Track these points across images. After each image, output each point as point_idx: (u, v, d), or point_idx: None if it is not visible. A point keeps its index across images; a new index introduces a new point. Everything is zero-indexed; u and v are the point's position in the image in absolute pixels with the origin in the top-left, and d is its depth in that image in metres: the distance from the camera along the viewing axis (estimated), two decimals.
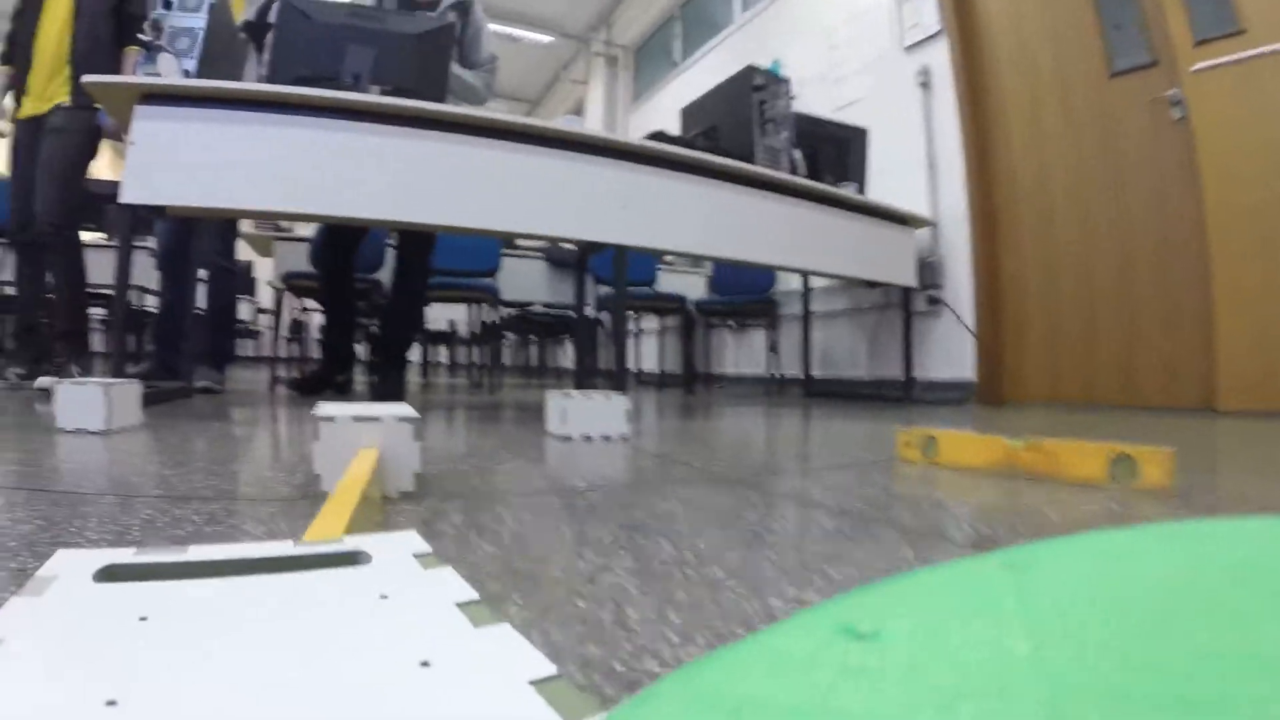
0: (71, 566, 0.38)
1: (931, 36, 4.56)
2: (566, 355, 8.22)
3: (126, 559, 0.39)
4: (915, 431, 1.63)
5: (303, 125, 2.51)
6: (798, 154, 3.77)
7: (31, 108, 3.19)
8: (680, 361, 5.91)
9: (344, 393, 3.55)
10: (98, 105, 2.93)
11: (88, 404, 1.69)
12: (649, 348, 7.15)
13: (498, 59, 3.44)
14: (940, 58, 4.51)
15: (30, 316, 3.30)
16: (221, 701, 0.25)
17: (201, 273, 3.55)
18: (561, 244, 5.21)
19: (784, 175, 3.44)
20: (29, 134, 3.18)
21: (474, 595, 0.34)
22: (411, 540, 0.42)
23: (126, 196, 2.40)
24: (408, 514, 0.96)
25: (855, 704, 0.18)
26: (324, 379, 3.54)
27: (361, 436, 1.06)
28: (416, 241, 3.45)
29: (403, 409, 1.15)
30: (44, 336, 3.30)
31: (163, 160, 2.42)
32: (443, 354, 7.93)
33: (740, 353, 6.40)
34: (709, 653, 0.25)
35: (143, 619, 0.32)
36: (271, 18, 2.70)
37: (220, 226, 3.53)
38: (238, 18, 3.15)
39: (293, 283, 4.01)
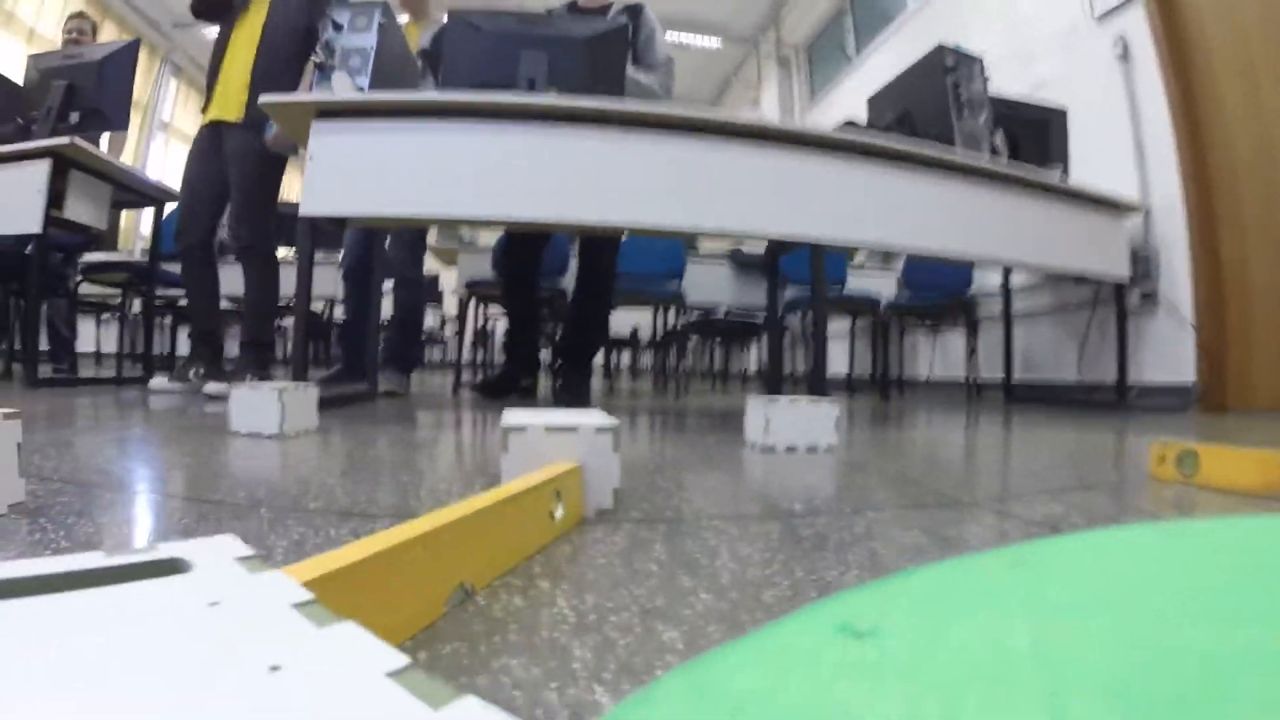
0: None
1: (1125, 2, 4.11)
2: (750, 359, 8.01)
3: None
4: (1172, 445, 1.33)
5: (478, 131, 2.46)
6: (999, 137, 3.45)
7: (213, 114, 3.22)
8: (870, 366, 5.58)
9: (528, 397, 3.48)
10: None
11: (261, 408, 1.63)
12: (836, 351, 6.83)
13: (673, 60, 3.31)
14: (1138, 25, 4.05)
15: (204, 321, 3.39)
16: None
17: (386, 283, 3.59)
18: (748, 242, 5.05)
19: (992, 164, 3.12)
20: (206, 140, 3.23)
21: (308, 596, 0.30)
22: (231, 544, 0.37)
23: (306, 209, 2.41)
24: (603, 542, 0.79)
25: (855, 700, 0.18)
26: (508, 383, 3.49)
27: (555, 448, 0.90)
28: (600, 246, 3.35)
29: (600, 416, 0.99)
30: (218, 342, 3.40)
31: (340, 173, 2.43)
32: (624, 358, 7.90)
33: (934, 356, 6.00)
34: (709, 651, 0.23)
35: None
36: None
37: (410, 239, 3.57)
38: (413, 47, 3.20)
39: (475, 290, 4.01)
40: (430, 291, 8.91)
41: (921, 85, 3.41)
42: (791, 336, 6.86)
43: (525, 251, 3.45)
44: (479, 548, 0.61)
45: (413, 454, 1.45)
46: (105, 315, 5.85)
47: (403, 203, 2.42)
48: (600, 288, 3.42)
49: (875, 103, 3.73)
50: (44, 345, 4.84)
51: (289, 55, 3.18)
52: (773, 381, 3.22)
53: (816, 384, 2.73)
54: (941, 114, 3.26)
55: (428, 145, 2.45)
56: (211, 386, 2.98)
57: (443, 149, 2.44)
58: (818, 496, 1.12)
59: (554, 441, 0.90)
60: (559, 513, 0.80)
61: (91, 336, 5.51)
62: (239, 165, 3.13)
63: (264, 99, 2.51)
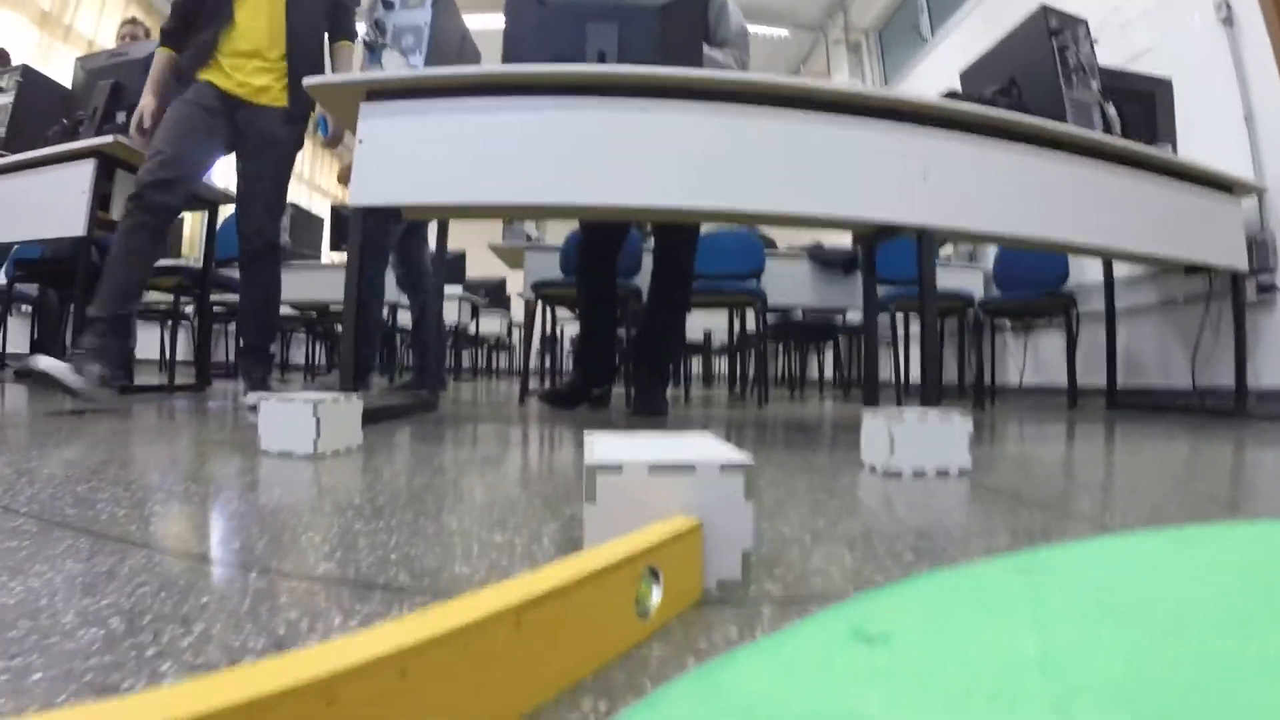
0: None
1: None
2: (825, 364, 7.62)
3: None
4: None
5: (547, 109, 2.20)
6: (1111, 109, 3.09)
7: (227, 85, 2.76)
8: (956, 371, 5.20)
9: (600, 407, 3.22)
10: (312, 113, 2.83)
11: (294, 425, 1.38)
12: (917, 355, 6.43)
13: (748, 33, 3.02)
14: None
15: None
16: None
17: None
18: (829, 236, 4.72)
19: (1110, 140, 2.77)
20: (213, 103, 2.73)
21: None
22: None
23: (356, 199, 2.18)
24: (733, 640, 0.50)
25: (866, 704, 0.18)
26: (579, 391, 3.23)
27: (663, 494, 0.61)
28: (677, 240, 3.07)
29: (722, 449, 0.70)
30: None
31: (393, 159, 2.21)
32: (693, 365, 7.60)
33: (1025, 359, 5.56)
34: (721, 655, 0.23)
35: None
36: None
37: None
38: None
39: (544, 291, 3.75)
40: (497, 296, 8.75)
41: (1023, 53, 3.09)
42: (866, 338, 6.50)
43: (602, 246, 3.19)
44: (532, 657, 0.40)
45: (468, 486, 1.17)
46: (171, 322, 5.76)
47: (464, 189, 2.16)
48: (678, 286, 3.13)
49: (970, 76, 3.40)
50: None
51: (318, 28, 2.92)
52: (870, 391, 2.90)
53: (930, 393, 2.40)
54: (1048, 83, 2.93)
55: (491, 126, 2.19)
56: (252, 397, 2.75)
57: (508, 129, 2.19)
58: (996, 543, 0.82)
59: (661, 485, 0.61)
60: (654, 599, 0.52)
61: (157, 343, 5.39)
62: (276, 156, 2.84)
63: (309, 82, 2.28)
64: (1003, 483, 1.34)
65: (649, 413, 2.90)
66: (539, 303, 3.84)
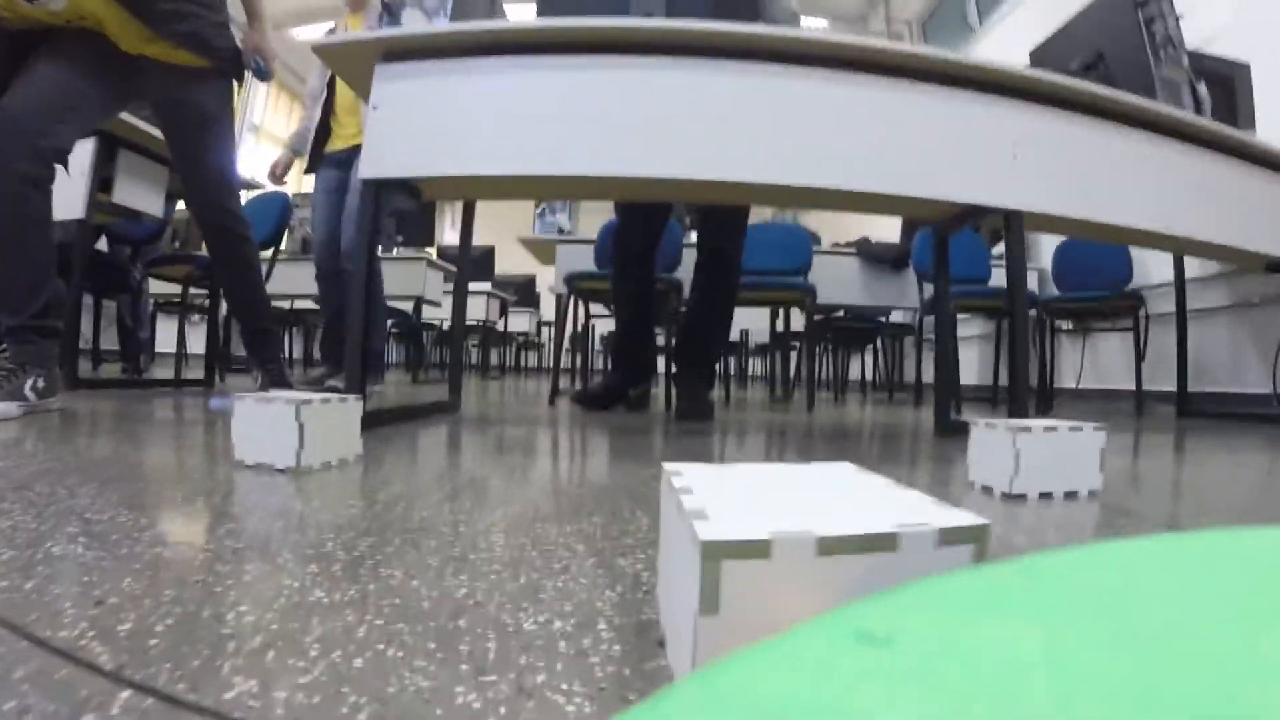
0: None
1: None
2: (865, 366, 7.27)
3: None
4: None
5: (584, 68, 1.93)
6: (1202, 88, 2.81)
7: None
8: (994, 372, 4.88)
9: (638, 409, 2.93)
10: None
11: (273, 430, 1.11)
12: (965, 357, 6.08)
13: (799, 19, 2.75)
14: None
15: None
16: None
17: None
18: (877, 229, 4.42)
19: (1205, 122, 2.46)
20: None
21: None
22: None
23: (367, 171, 1.92)
24: None
25: (870, 706, 0.18)
26: (615, 392, 2.94)
27: (835, 587, 0.33)
28: (723, 229, 2.78)
29: (916, 501, 0.41)
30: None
31: (409, 127, 1.94)
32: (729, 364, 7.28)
33: (1083, 361, 5.20)
34: (726, 656, 0.22)
35: None
36: None
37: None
38: None
39: (577, 284, 3.46)
40: (526, 293, 8.51)
41: (1105, 26, 2.82)
42: (915, 340, 6.19)
43: (641, 235, 2.91)
44: None
45: (485, 523, 0.87)
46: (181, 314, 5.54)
47: (491, 160, 1.89)
48: (725, 278, 2.84)
49: (1042, 54, 3.12)
50: (115, 344, 4.58)
51: None
52: (942, 396, 2.59)
53: (1018, 402, 2.08)
54: (1135, 59, 2.65)
55: (522, 89, 1.91)
56: (216, 402, 2.57)
57: (542, 93, 1.91)
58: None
59: (835, 573, 0.33)
60: None
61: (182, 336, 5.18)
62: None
63: (318, 45, 2.02)
64: (1145, 508, 1.09)
65: (694, 417, 2.62)
66: (571, 297, 3.55)
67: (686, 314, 2.93)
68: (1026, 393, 2.18)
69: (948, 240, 2.63)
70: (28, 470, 1.08)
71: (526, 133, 1.89)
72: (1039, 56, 3.14)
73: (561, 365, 3.96)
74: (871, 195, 2.00)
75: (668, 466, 0.55)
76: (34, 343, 1.97)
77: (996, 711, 0.17)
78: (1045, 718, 0.16)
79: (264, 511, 0.86)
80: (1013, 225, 2.10)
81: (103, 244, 4.26)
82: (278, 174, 3.73)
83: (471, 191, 2.42)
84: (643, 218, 2.87)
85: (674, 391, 2.96)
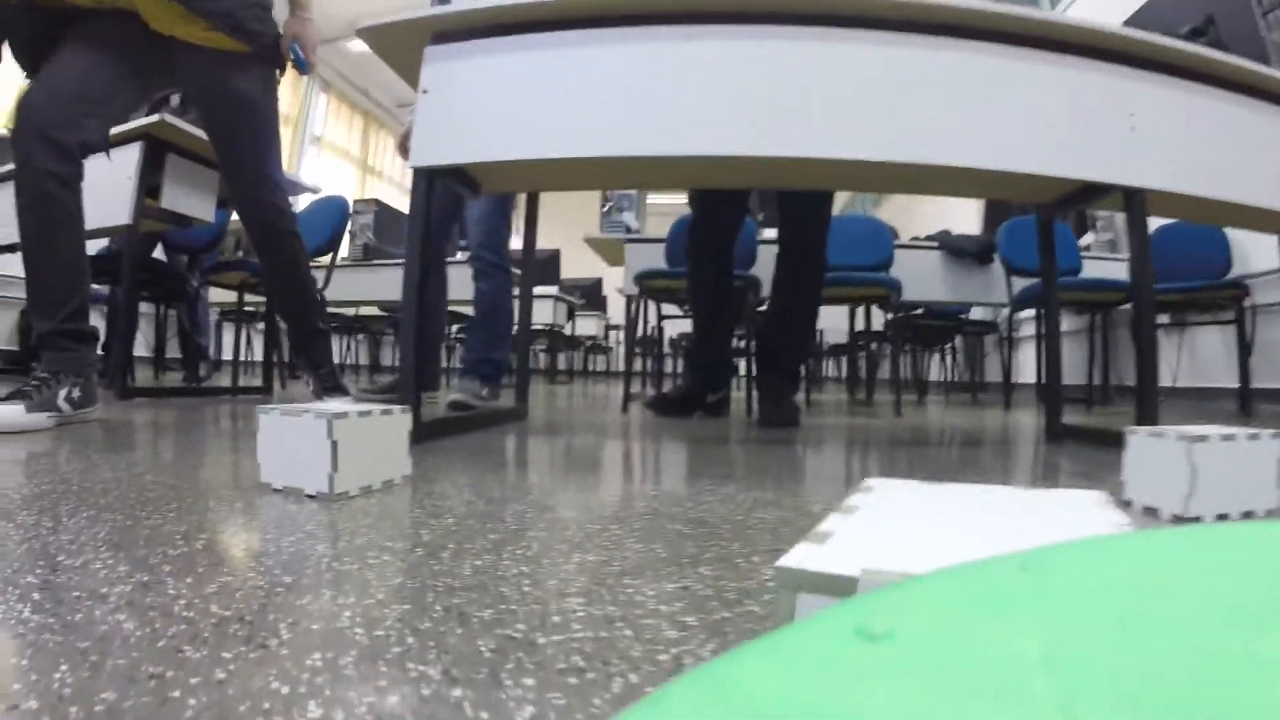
0: None
1: None
2: (945, 364, 6.93)
3: None
4: None
5: (658, 39, 1.71)
6: None
7: None
8: (1103, 372, 4.55)
9: (717, 415, 2.72)
10: None
11: (303, 449, 0.92)
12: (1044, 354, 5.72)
13: None
14: None
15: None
16: None
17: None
18: (959, 222, 4.13)
19: None
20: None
21: None
22: None
23: (418, 159, 1.74)
24: None
25: (869, 703, 0.17)
26: (691, 398, 2.73)
27: None
28: (809, 219, 2.55)
29: None
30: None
31: (462, 110, 1.77)
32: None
33: (1179, 358, 4.82)
34: (721, 654, 0.21)
35: None
36: None
37: (490, 214, 2.82)
38: None
39: (648, 283, 3.25)
40: (592, 297, 8.36)
41: None
42: (996, 338, 5.86)
43: (717, 228, 2.70)
44: None
45: (555, 584, 0.66)
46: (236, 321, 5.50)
47: (550, 142, 1.69)
48: (810, 274, 2.61)
49: (1144, 17, 2.86)
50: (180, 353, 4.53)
51: None
52: (1052, 399, 2.33)
53: (1147, 407, 1.82)
54: (1244, 22, 2.40)
55: (582, 64, 1.72)
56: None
57: (603, 68, 1.71)
58: None
59: None
60: None
61: (255, 345, 5.11)
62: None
63: (362, 29, 1.85)
64: None
65: (779, 424, 2.39)
66: (642, 297, 3.34)
67: (768, 312, 2.70)
68: (1155, 396, 1.92)
69: (1052, 226, 2.36)
70: (21, 494, 0.91)
71: (591, 112, 1.69)
72: (1139, 21, 2.88)
73: (632, 369, 3.77)
74: (976, 174, 1.76)
75: (860, 492, 0.40)
76: (69, 349, 1.83)
77: (997, 709, 0.16)
78: (1047, 715, 0.16)
79: (274, 561, 0.67)
80: (1134, 205, 1.84)
81: (160, 253, 4.22)
82: (406, 145, 3.55)
83: (532, 181, 2.22)
84: (718, 211, 2.65)
85: (755, 396, 2.75)
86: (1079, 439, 2.15)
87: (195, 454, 1.35)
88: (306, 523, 0.81)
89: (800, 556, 0.39)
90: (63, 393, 1.77)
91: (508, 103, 1.73)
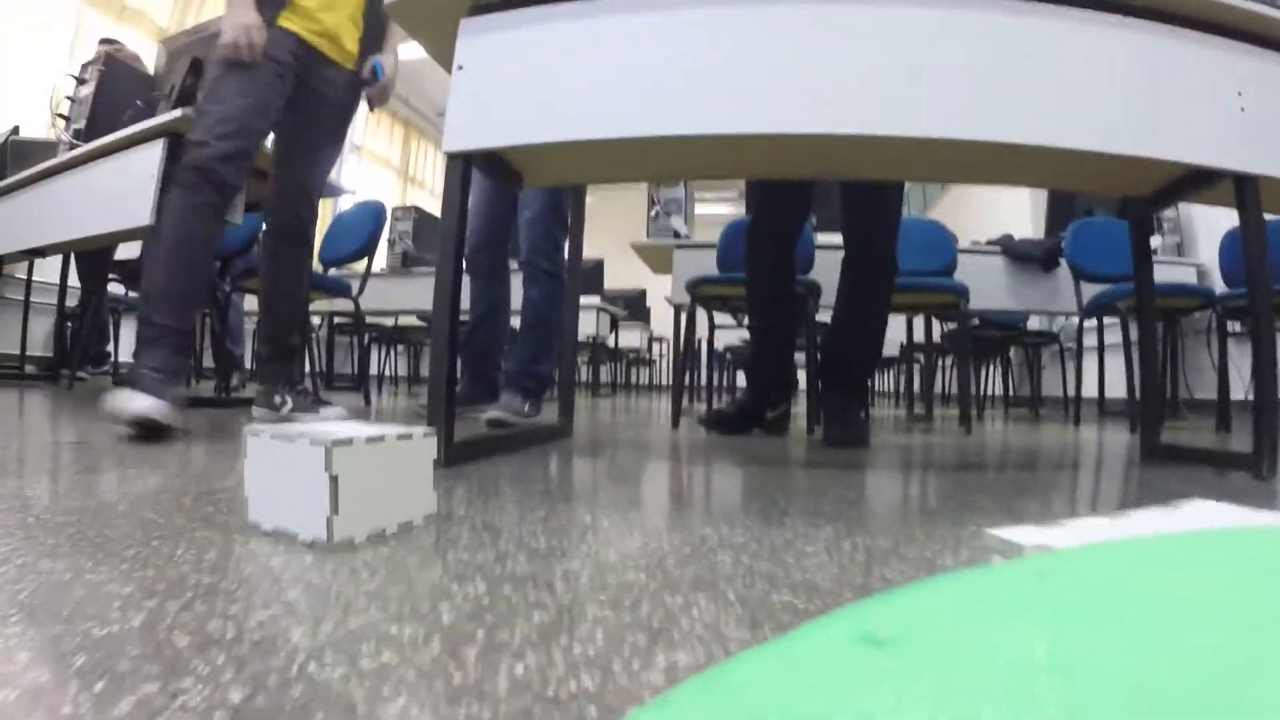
0: None
1: None
2: (1006, 376, 6.60)
3: None
4: None
5: (717, 2, 1.50)
6: None
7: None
8: (1169, 385, 4.24)
9: (776, 433, 2.49)
10: None
11: (293, 482, 0.72)
12: (1112, 365, 5.38)
13: None
14: None
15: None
16: None
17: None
18: (1019, 224, 3.90)
19: None
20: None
21: None
22: None
23: (452, 144, 1.54)
24: None
25: (876, 707, 0.17)
26: (751, 414, 2.51)
27: None
28: (877, 218, 2.33)
29: None
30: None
31: (501, 86, 1.56)
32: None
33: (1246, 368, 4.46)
34: (727, 659, 0.22)
35: None
36: None
37: (543, 214, 2.65)
38: None
39: (700, 290, 3.04)
40: (636, 308, 8.17)
41: None
42: (1055, 350, 5.56)
43: (780, 228, 2.48)
44: None
45: (637, 705, 0.47)
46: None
47: (598, 121, 1.48)
48: (880, 278, 2.38)
49: None
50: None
51: None
52: (1151, 415, 2.08)
53: (1269, 429, 1.57)
54: None
55: (636, 33, 1.51)
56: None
57: (660, 36, 1.50)
58: None
59: None
60: None
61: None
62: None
63: (391, 4, 1.68)
64: None
65: (847, 444, 2.17)
66: (694, 305, 3.12)
67: (834, 321, 2.46)
68: (1277, 413, 1.65)
69: (1150, 224, 2.11)
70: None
71: (645, 87, 1.49)
72: None
73: (682, 382, 3.55)
74: (1067, 159, 1.53)
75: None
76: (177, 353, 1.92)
77: (1004, 713, 0.16)
78: (1053, 718, 0.16)
79: (226, 659, 0.46)
80: (1247, 194, 1.59)
81: None
82: None
83: (580, 170, 2.00)
84: (782, 206, 2.44)
85: (817, 412, 2.52)
86: (1178, 459, 1.92)
87: (187, 478, 1.16)
88: (290, 586, 0.60)
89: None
90: (179, 392, 1.83)
91: (553, 78, 1.53)
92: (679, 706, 0.19)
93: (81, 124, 3.17)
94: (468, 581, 0.64)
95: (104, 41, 3.79)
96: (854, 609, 0.22)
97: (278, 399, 2.29)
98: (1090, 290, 3.79)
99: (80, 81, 3.35)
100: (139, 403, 1.65)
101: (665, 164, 1.86)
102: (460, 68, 1.55)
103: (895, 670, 0.19)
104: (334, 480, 0.69)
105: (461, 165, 1.52)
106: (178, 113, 2.46)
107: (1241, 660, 0.17)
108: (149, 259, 1.97)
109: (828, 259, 3.24)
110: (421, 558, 0.71)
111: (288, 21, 2.15)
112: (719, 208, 11.53)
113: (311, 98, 2.26)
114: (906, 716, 0.17)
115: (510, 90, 1.53)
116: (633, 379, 9.87)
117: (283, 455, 0.73)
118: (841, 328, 2.42)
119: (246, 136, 2.03)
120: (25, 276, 4.24)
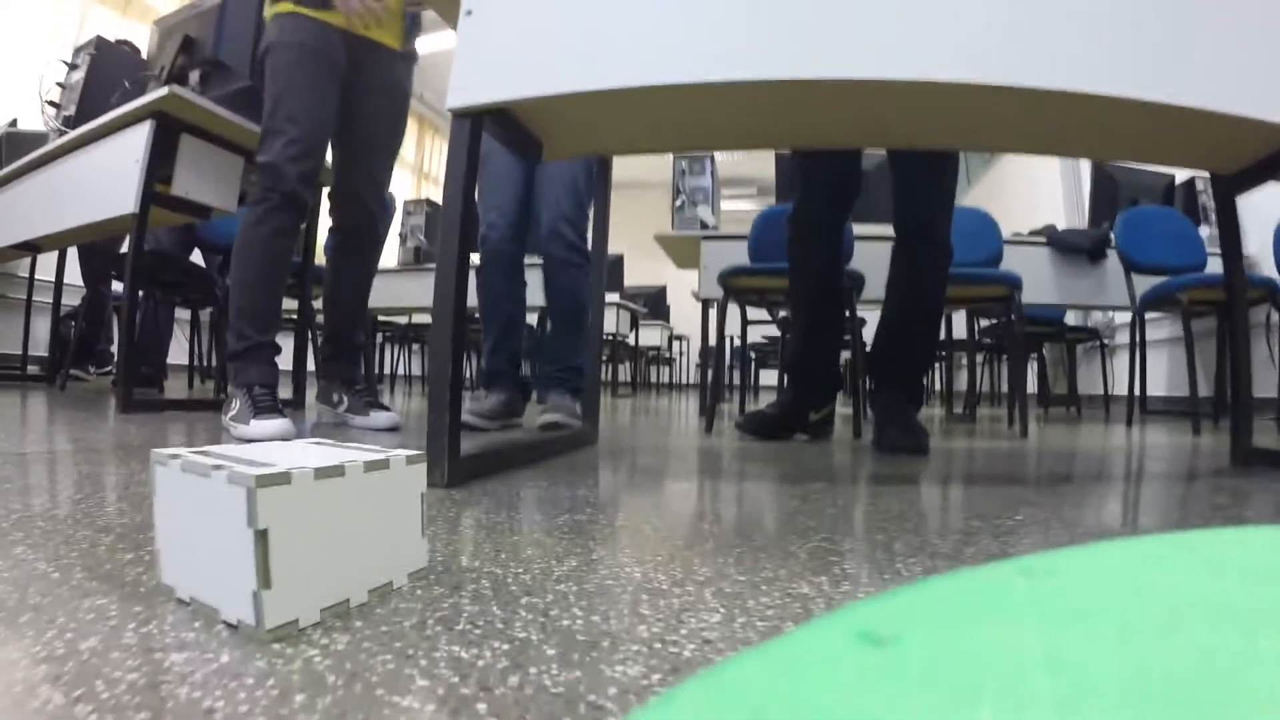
0: None
1: None
2: (1042, 373, 6.31)
3: None
4: None
5: None
6: None
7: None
8: (1215, 382, 3.97)
9: (821, 437, 2.26)
10: None
11: (210, 540, 0.50)
12: (1155, 362, 5.09)
13: None
14: None
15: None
16: None
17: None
18: (1067, 215, 3.66)
19: None
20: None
21: None
22: None
23: (457, 99, 1.30)
24: None
25: (874, 706, 0.17)
26: (793, 416, 2.27)
27: None
28: (927, 194, 2.10)
29: None
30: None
31: (513, 30, 1.33)
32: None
33: None
34: (728, 657, 0.20)
35: None
36: None
37: (566, 192, 2.40)
38: None
39: (733, 282, 2.80)
40: (656, 305, 7.95)
41: None
42: (1101, 344, 5.30)
43: (827, 210, 2.25)
44: None
45: None
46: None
47: (626, 68, 1.24)
48: (934, 263, 2.14)
49: None
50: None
51: None
52: (1242, 416, 1.83)
53: None
54: None
55: None
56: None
57: None
58: None
59: None
60: None
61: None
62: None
63: None
64: None
65: (905, 450, 1.93)
66: (726, 299, 2.87)
67: (885, 313, 2.21)
68: None
69: (1235, 205, 1.86)
70: None
71: (681, 25, 1.25)
72: None
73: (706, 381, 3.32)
74: (1153, 116, 1.28)
75: None
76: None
77: (999, 711, 0.16)
78: (1048, 717, 0.16)
79: None
80: None
81: (198, 256, 3.94)
82: None
83: (603, 135, 1.72)
84: (829, 186, 2.20)
85: (868, 415, 2.28)
86: (1274, 464, 1.71)
87: (127, 504, 0.93)
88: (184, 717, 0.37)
89: None
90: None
91: (573, 21, 1.30)
92: (680, 705, 0.19)
93: (71, 110, 2.97)
94: (465, 707, 0.40)
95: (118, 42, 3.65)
96: (854, 608, 0.22)
97: (335, 396, 2.30)
98: (1139, 283, 3.57)
99: (72, 67, 3.17)
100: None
101: (703, 127, 1.61)
102: (469, 13, 1.32)
103: (894, 668, 0.19)
104: (260, 537, 0.46)
105: (469, 126, 1.28)
106: (163, 91, 2.25)
107: (1234, 659, 0.17)
108: (237, 281, 1.99)
109: (865, 251, 3.01)
110: (393, 658, 0.47)
111: (334, 16, 2.03)
112: (740, 203, 11.30)
113: (368, 86, 2.19)
114: (906, 715, 0.17)
115: (524, 36, 1.30)
116: (652, 378, 9.65)
117: (196, 496, 0.50)
118: (895, 320, 2.18)
119: (317, 155, 2.05)
120: (28, 275, 4.10)
